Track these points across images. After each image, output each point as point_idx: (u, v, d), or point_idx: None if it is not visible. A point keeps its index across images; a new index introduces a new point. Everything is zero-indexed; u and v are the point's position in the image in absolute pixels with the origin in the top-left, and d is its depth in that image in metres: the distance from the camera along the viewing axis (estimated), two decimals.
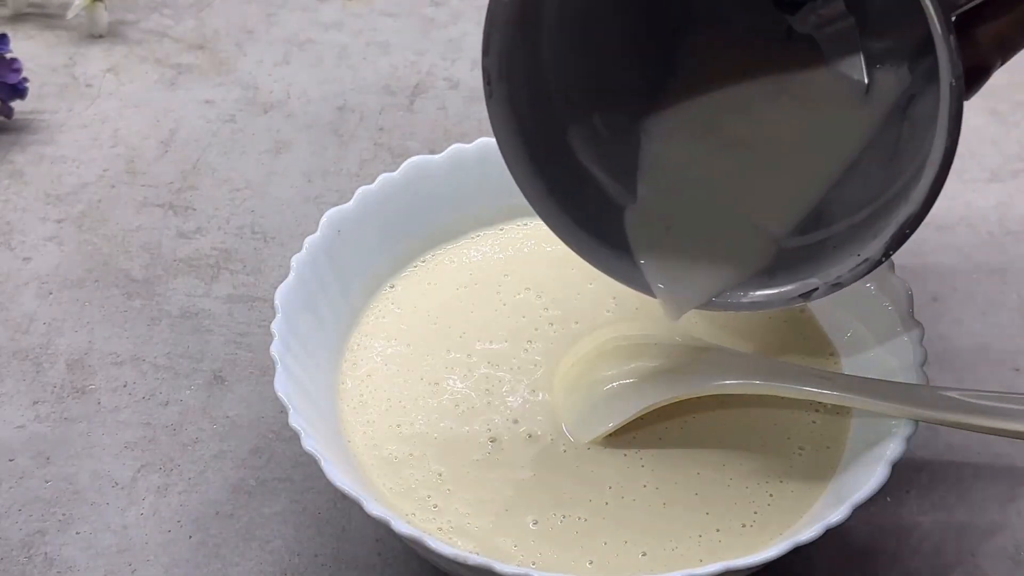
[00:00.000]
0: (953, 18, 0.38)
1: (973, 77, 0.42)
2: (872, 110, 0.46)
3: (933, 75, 0.38)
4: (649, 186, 0.47)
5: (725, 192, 0.47)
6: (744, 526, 0.44)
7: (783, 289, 0.45)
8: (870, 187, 0.44)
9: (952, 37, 0.37)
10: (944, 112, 0.38)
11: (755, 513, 0.45)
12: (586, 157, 0.47)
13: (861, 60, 0.46)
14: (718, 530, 0.44)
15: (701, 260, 0.46)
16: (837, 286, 0.43)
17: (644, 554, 0.44)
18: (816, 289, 0.43)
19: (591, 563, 0.43)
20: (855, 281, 0.42)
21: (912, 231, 0.40)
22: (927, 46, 0.38)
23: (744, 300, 0.45)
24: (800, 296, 0.44)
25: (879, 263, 0.41)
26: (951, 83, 0.37)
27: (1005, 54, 0.43)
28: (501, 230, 0.55)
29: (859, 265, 0.42)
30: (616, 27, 0.48)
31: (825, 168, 0.46)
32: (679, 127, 0.48)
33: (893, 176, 0.43)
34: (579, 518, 0.45)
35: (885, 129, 0.45)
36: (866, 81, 0.46)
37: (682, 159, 0.48)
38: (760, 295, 0.45)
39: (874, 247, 0.41)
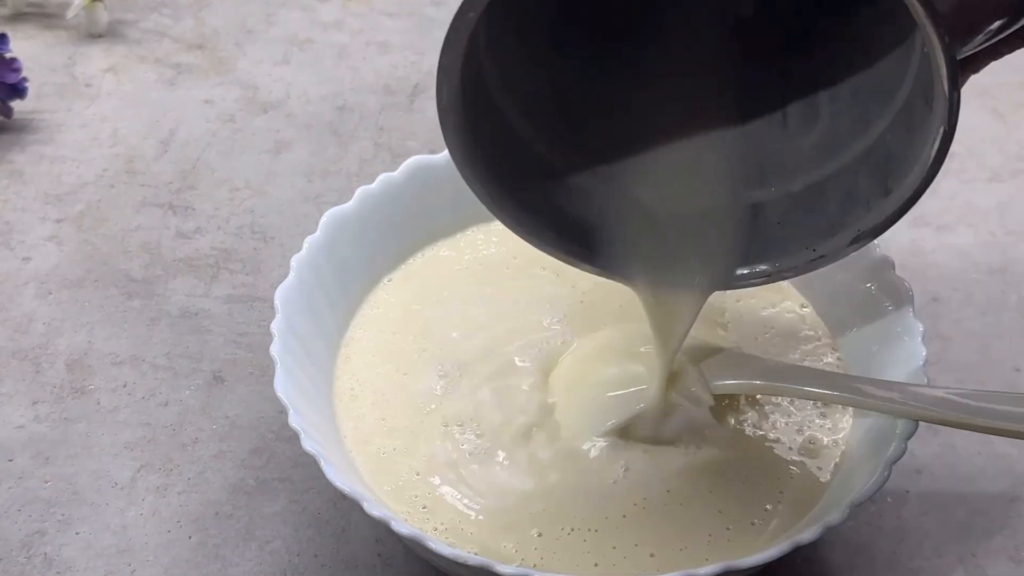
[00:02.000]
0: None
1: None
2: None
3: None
4: (630, 171, 0.46)
5: (708, 174, 0.46)
6: (753, 524, 0.44)
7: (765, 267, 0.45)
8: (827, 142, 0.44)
9: (956, 94, 0.36)
10: (931, 144, 0.38)
11: (766, 510, 0.45)
12: (560, 162, 0.46)
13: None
14: (728, 528, 0.44)
15: (691, 244, 0.46)
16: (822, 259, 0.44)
17: (652, 555, 0.43)
18: (816, 259, 0.44)
19: (596, 565, 0.43)
20: (839, 259, 0.43)
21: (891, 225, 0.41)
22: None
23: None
24: (809, 262, 0.44)
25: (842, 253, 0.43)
26: (944, 130, 0.37)
27: (989, 61, 0.43)
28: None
29: (853, 243, 0.43)
30: (573, 32, 0.46)
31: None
32: (649, 120, 0.46)
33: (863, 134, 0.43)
34: (589, 529, 0.44)
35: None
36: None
37: (660, 149, 0.46)
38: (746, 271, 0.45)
39: (835, 243, 0.43)
